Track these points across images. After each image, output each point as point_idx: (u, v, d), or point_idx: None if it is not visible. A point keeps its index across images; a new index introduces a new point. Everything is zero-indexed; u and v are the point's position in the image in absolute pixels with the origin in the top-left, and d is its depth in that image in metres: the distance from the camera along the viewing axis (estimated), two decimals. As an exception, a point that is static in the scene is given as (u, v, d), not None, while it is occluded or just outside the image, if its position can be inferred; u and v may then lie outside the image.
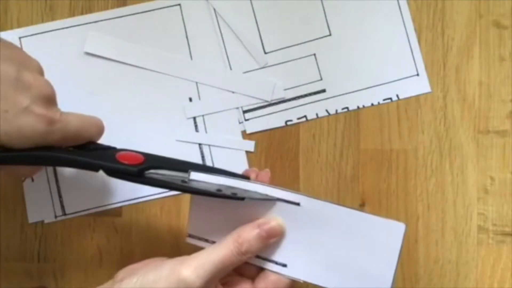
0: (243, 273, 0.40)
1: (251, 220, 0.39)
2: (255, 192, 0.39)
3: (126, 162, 0.39)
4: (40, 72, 0.39)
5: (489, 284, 0.49)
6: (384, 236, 0.38)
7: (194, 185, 0.39)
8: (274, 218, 0.39)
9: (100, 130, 0.42)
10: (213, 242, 0.39)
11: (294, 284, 0.40)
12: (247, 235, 0.38)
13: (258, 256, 0.40)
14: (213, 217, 0.40)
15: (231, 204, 0.38)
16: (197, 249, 0.39)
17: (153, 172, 0.39)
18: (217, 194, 0.38)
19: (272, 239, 0.39)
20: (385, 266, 0.38)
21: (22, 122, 0.36)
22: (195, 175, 0.39)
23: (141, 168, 0.39)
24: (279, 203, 0.39)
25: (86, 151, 0.40)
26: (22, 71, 0.37)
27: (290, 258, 0.39)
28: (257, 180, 0.42)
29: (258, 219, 0.39)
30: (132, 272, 0.38)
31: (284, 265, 0.39)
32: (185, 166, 0.40)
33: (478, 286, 0.49)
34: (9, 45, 0.39)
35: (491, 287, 0.49)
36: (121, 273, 0.39)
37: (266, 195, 0.39)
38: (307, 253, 0.39)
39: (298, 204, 0.39)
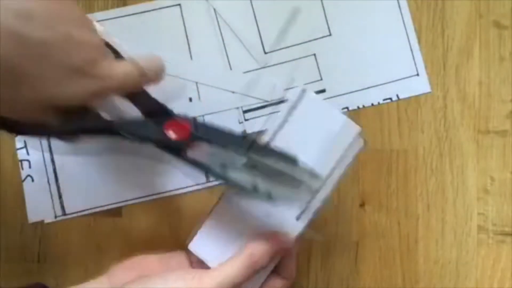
0: None
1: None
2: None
3: (172, 137, 0.38)
4: None
5: (489, 284, 0.49)
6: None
7: (232, 177, 0.37)
8: (281, 229, 0.39)
9: (159, 74, 0.40)
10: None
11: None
12: (259, 252, 0.38)
13: None
14: (219, 240, 0.40)
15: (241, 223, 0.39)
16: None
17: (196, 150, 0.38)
18: (250, 191, 0.36)
19: (283, 248, 0.39)
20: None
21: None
22: (232, 173, 0.37)
23: (183, 144, 0.37)
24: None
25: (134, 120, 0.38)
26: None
27: None
28: None
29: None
30: (129, 275, 0.38)
31: None
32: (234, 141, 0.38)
33: (478, 286, 0.49)
34: None
35: (491, 287, 0.49)
36: (116, 272, 0.40)
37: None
38: None
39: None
